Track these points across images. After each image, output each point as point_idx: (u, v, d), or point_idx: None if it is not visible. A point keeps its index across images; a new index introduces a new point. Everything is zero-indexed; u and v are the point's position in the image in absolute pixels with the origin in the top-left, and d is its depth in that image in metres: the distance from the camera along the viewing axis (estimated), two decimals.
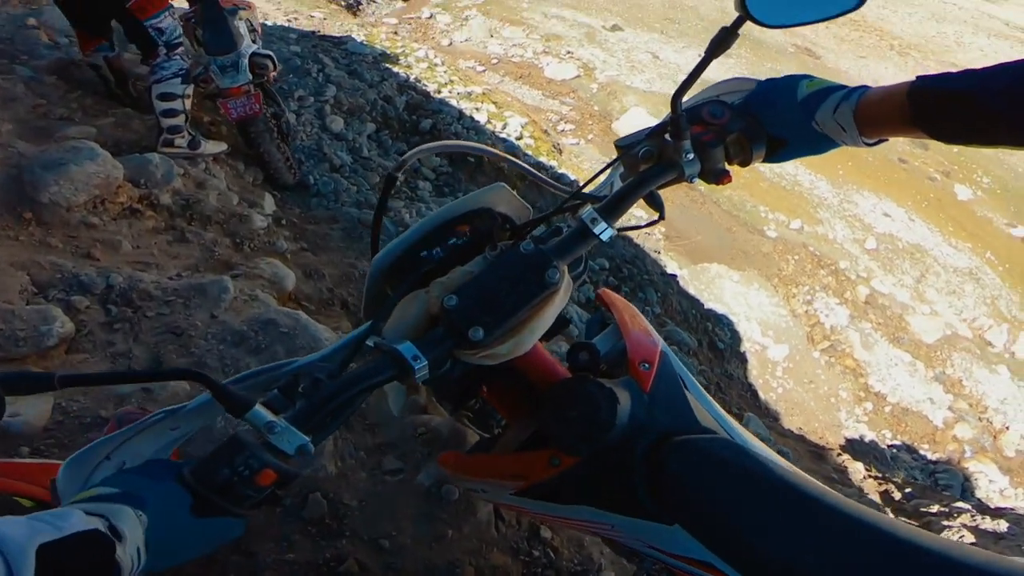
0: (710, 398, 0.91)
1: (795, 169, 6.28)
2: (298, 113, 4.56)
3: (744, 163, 0.86)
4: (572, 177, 5.81)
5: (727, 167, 0.85)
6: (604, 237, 0.75)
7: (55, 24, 3.84)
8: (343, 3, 8.77)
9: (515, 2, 9.31)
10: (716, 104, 0.86)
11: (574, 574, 1.45)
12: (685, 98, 0.79)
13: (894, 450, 4.39)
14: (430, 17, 8.76)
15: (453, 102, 6.07)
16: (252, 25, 3.27)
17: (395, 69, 5.91)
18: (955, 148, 6.59)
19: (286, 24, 6.10)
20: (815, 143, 0.85)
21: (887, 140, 0.82)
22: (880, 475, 4.13)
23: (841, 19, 0.77)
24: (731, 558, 0.79)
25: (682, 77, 0.76)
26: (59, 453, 1.33)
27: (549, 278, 0.71)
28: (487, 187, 0.88)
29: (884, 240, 5.73)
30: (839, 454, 5.24)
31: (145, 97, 3.01)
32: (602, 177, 0.94)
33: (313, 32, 6.12)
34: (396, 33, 7.75)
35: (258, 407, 0.61)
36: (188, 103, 2.94)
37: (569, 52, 8.04)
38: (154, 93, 2.83)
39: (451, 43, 8.24)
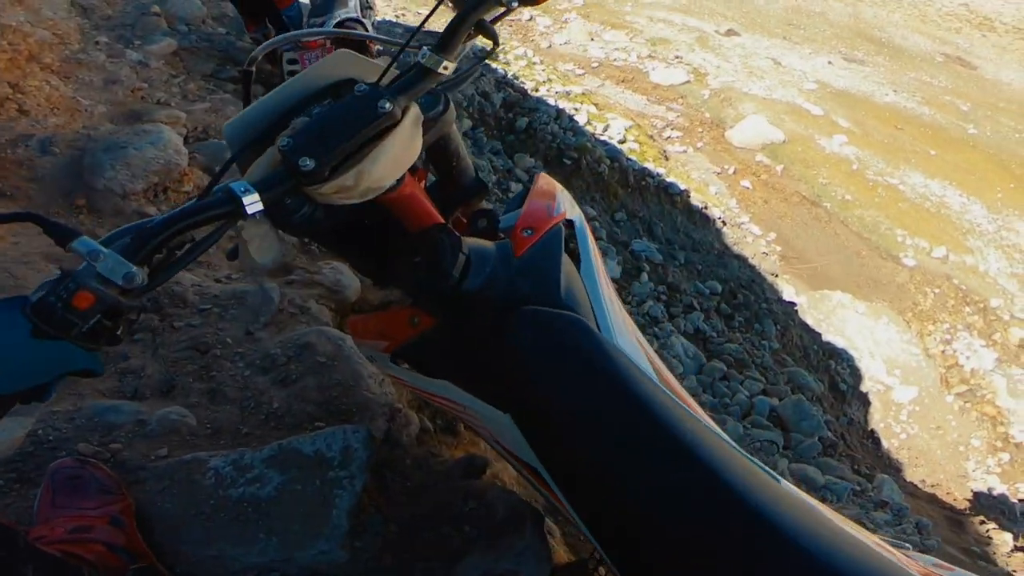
0: (613, 296, 0.87)
1: (943, 190, 5.51)
2: None
3: None
4: (682, 186, 5.38)
5: None
6: (440, 69, 0.80)
7: (177, 11, 3.91)
8: (450, 3, 8.85)
9: (617, 5, 8.96)
10: None
11: None
12: None
13: None
14: (530, 19, 8.60)
15: (551, 101, 5.84)
16: (368, 1, 3.34)
17: (493, 65, 5.77)
18: None
19: (393, 19, 6.13)
20: None
21: None
22: None
23: (1003, 26, 0.51)
24: (553, 468, 0.72)
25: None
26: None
27: (380, 107, 0.75)
28: (328, 57, 0.88)
29: None
30: (983, 522, 4.54)
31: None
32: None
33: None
34: None
35: (84, 237, 0.65)
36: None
37: (678, 57, 7.58)
38: (284, 59, 3.17)
39: (550, 45, 8.01)
